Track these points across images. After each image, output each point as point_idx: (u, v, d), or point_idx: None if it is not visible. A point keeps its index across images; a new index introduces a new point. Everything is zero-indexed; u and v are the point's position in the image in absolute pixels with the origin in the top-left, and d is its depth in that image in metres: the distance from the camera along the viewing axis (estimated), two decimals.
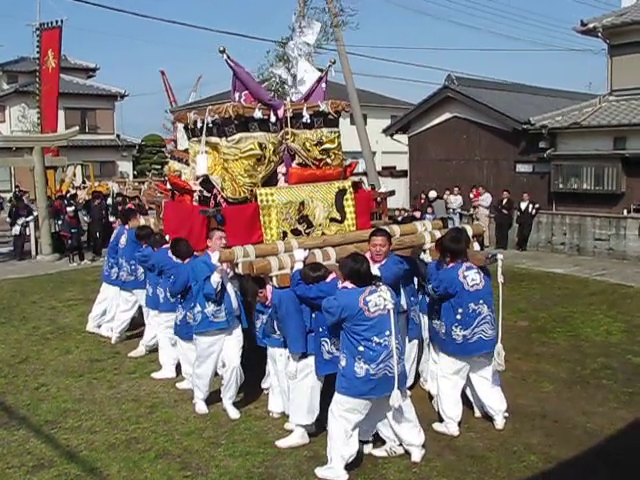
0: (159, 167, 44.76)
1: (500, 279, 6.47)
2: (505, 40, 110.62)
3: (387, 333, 5.50)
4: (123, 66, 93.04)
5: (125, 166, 42.49)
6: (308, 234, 7.72)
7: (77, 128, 22.88)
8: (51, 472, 5.87)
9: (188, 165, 8.53)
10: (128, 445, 6.38)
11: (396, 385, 5.48)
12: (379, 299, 5.52)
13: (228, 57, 7.80)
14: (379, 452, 6.06)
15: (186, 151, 8.83)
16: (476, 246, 7.44)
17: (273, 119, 7.79)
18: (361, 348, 5.49)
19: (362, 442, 6.02)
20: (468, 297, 6.30)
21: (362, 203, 8.47)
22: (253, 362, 7.37)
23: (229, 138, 7.57)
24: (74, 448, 6.34)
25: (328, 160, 8.23)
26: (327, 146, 8.18)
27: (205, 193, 7.84)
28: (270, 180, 7.83)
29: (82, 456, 6.18)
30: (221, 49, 7.70)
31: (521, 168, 20.23)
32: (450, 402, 6.47)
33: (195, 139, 8.17)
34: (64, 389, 7.94)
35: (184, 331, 7.43)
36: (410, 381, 7.05)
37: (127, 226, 9.78)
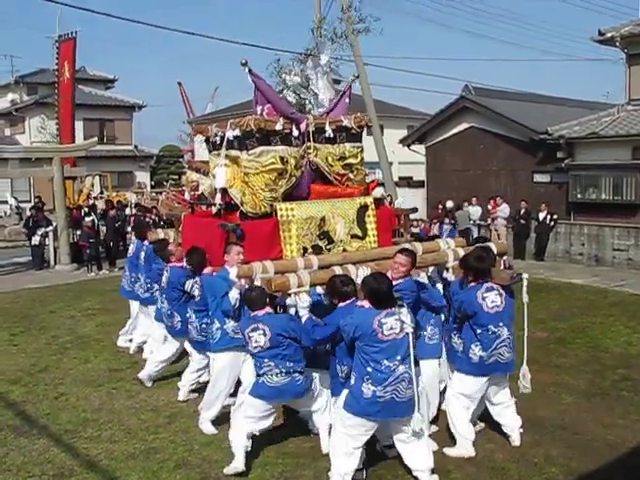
0: (177, 177, 44.96)
1: (525, 299, 6.39)
2: (522, 50, 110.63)
3: (398, 358, 5.38)
4: (141, 77, 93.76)
5: (143, 176, 42.78)
6: (329, 250, 7.63)
7: (96, 139, 23.01)
8: None
9: (206, 175, 8.53)
10: (147, 455, 6.40)
11: (416, 408, 5.41)
12: (396, 322, 5.37)
13: (250, 70, 7.72)
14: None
15: (206, 163, 8.81)
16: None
17: (295, 133, 7.72)
18: (369, 369, 5.39)
19: (385, 447, 6.07)
20: (487, 319, 6.16)
21: (384, 220, 8.37)
22: None
23: (250, 151, 7.51)
24: (94, 457, 6.38)
25: (351, 175, 8.15)
26: (350, 161, 8.12)
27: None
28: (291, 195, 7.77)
29: (102, 465, 6.21)
30: (243, 62, 7.62)
31: (539, 178, 20.16)
32: (462, 422, 6.32)
33: (216, 152, 8.10)
34: (83, 398, 7.99)
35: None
36: (436, 404, 6.84)
37: (146, 241, 9.75)
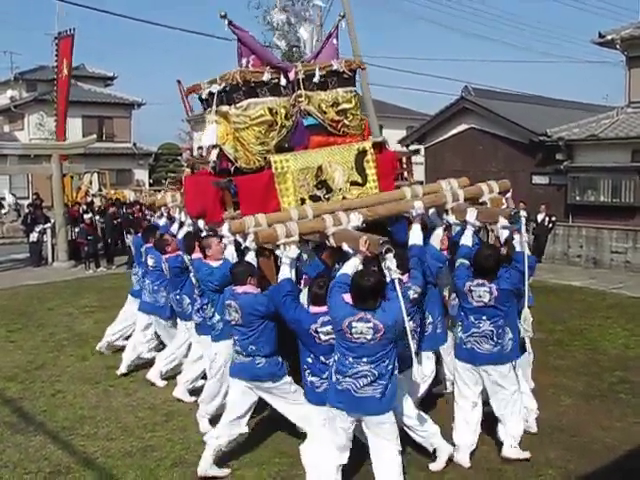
0: (175, 175, 44.86)
1: (525, 238, 6.27)
2: (521, 51, 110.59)
3: (365, 360, 5.21)
4: (140, 75, 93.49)
5: (141, 174, 42.61)
6: (328, 199, 7.40)
7: (94, 136, 23.05)
8: (68, 479, 5.93)
9: None
10: (144, 453, 6.40)
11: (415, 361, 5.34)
12: (368, 330, 5.15)
13: (230, 22, 7.43)
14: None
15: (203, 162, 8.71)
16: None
17: (284, 82, 7.48)
18: (337, 356, 5.34)
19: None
20: (469, 310, 6.09)
21: (385, 164, 8.01)
22: None
23: (237, 105, 7.32)
24: (90, 455, 6.38)
25: (346, 121, 7.88)
26: (344, 106, 7.84)
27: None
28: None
29: (98, 463, 6.22)
30: (222, 14, 7.34)
31: (538, 180, 20.13)
32: (461, 425, 6.21)
33: (209, 110, 7.87)
34: (80, 396, 7.98)
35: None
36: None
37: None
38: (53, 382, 8.48)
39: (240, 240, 6.60)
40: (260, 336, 5.95)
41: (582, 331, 10.83)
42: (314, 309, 5.61)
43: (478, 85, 23.31)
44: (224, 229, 6.53)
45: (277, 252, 6.18)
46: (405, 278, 6.00)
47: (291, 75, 7.52)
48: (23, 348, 10.10)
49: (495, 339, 6.03)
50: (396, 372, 5.35)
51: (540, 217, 18.69)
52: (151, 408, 7.55)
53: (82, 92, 37.64)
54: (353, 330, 5.15)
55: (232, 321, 6.10)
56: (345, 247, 5.91)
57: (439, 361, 7.25)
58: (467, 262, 6.22)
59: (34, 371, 8.94)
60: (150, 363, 8.62)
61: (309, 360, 5.66)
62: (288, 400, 6.14)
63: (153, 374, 8.29)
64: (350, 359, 5.22)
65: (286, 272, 5.93)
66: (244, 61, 7.71)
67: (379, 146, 8.14)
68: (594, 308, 12.66)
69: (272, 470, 6.00)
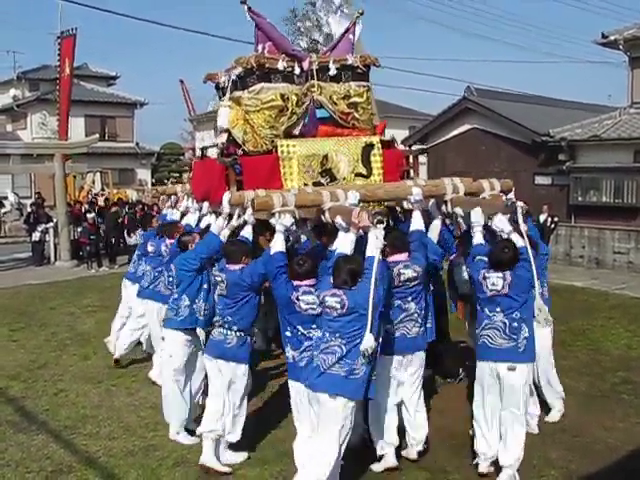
0: (178, 175, 44.89)
1: (523, 228, 6.18)
2: (524, 52, 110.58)
3: (337, 335, 5.23)
4: (143, 75, 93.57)
5: (144, 174, 42.63)
6: None
7: (97, 136, 23.09)
8: (70, 478, 5.91)
9: None
10: (146, 452, 6.39)
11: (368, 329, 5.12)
12: (335, 303, 5.25)
13: (249, 8, 7.53)
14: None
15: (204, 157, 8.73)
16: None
17: (298, 71, 7.57)
18: (320, 333, 5.42)
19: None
20: (483, 300, 5.93)
21: (392, 161, 8.03)
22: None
23: (250, 89, 7.41)
24: (93, 454, 6.37)
25: (356, 114, 7.92)
26: (355, 100, 7.88)
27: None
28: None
29: (101, 462, 6.21)
30: (242, 0, 7.42)
31: (540, 180, 20.11)
32: (480, 438, 5.97)
33: (224, 97, 7.90)
34: (83, 395, 7.99)
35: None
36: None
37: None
38: (55, 381, 8.49)
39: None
40: (240, 309, 6.02)
41: (584, 331, 10.82)
42: (295, 282, 5.66)
43: (480, 85, 23.29)
44: (223, 199, 6.50)
45: (271, 221, 6.03)
46: (404, 257, 6.04)
47: (305, 65, 7.59)
48: (26, 347, 10.11)
49: (508, 333, 5.75)
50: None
51: (542, 218, 18.63)
52: (153, 407, 7.53)
53: (85, 91, 37.67)
54: (326, 303, 5.30)
55: (219, 290, 6.19)
56: (338, 220, 5.76)
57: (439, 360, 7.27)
58: (485, 259, 6.11)
59: (37, 370, 8.94)
60: (152, 362, 8.62)
61: (288, 334, 5.69)
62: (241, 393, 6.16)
63: (155, 373, 8.28)
64: (327, 334, 5.30)
65: (279, 242, 5.82)
66: (260, 47, 7.78)
67: (388, 143, 8.17)
68: (596, 309, 12.65)
69: (274, 470, 5.99)
